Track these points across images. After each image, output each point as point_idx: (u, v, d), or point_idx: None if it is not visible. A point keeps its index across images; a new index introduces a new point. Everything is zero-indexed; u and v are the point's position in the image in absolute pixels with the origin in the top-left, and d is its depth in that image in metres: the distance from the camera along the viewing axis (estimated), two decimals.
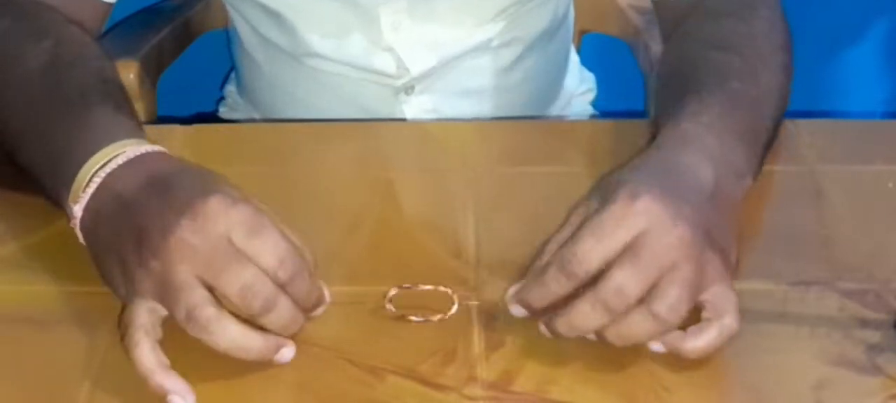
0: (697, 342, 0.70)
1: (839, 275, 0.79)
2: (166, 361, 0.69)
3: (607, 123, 1.06)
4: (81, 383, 0.70)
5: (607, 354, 0.72)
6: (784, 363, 0.72)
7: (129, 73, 1.13)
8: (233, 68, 1.28)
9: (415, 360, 0.71)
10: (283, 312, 0.70)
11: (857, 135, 1.02)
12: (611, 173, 0.76)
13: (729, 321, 0.71)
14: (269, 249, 0.70)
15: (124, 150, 0.76)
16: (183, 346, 0.71)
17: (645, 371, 0.70)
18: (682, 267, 0.69)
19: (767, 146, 0.86)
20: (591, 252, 0.69)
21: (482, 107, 1.15)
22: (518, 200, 0.89)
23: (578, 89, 1.30)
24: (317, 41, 1.10)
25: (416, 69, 1.10)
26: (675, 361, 0.71)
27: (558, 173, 0.93)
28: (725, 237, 0.74)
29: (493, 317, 0.75)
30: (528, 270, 0.74)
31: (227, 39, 1.24)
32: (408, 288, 0.76)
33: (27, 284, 0.79)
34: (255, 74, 1.20)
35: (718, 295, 0.71)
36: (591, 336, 0.71)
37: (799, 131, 0.97)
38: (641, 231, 0.69)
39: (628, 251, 0.69)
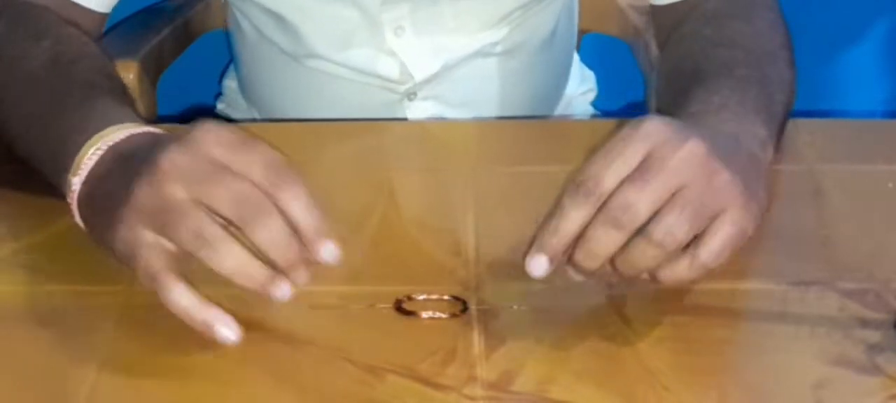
0: (667, 272, 0.70)
1: (839, 275, 0.79)
2: (200, 296, 0.68)
3: (607, 123, 1.06)
4: (82, 382, 0.70)
5: (607, 353, 0.72)
6: (784, 362, 0.72)
7: (128, 74, 1.13)
8: (230, 63, 1.27)
9: (414, 360, 0.71)
10: (278, 225, 0.67)
11: (856, 134, 1.02)
12: None
13: (704, 254, 0.69)
14: (257, 158, 0.68)
15: (128, 130, 0.77)
16: (180, 342, 0.71)
17: (645, 371, 0.70)
18: (687, 187, 0.68)
19: (781, 129, 0.85)
20: (603, 170, 0.69)
21: (485, 114, 1.15)
22: (518, 200, 0.89)
23: (579, 90, 1.30)
24: (319, 44, 1.10)
25: (419, 75, 1.10)
26: (675, 360, 0.71)
27: (558, 173, 0.93)
28: (752, 177, 0.73)
29: (493, 316, 0.75)
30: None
31: (226, 38, 1.24)
32: (412, 299, 0.76)
33: (28, 284, 0.79)
34: (256, 74, 1.20)
35: (718, 222, 0.69)
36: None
37: (798, 130, 0.97)
38: (651, 148, 0.69)
39: (638, 168, 0.69)
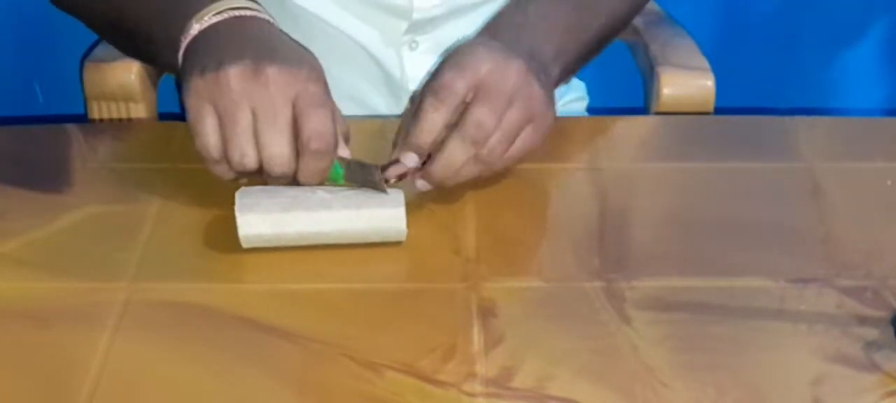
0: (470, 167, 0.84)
1: (837, 272, 0.80)
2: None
3: (605, 119, 1.06)
4: (83, 379, 0.70)
5: (606, 350, 0.72)
6: (782, 359, 0.72)
7: (130, 74, 1.13)
8: None
9: (414, 356, 0.71)
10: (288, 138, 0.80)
11: (855, 132, 1.02)
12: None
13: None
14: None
15: (251, 9, 0.86)
16: (181, 339, 0.71)
17: (643, 367, 0.71)
18: (514, 102, 0.83)
19: (584, 58, 1.00)
20: (454, 80, 0.82)
21: None
22: (518, 197, 0.90)
23: (568, 97, 1.28)
24: None
25: (421, 2, 1.07)
26: (673, 357, 0.71)
27: (557, 169, 0.94)
28: (550, 93, 0.88)
29: (492, 313, 0.75)
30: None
31: None
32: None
33: (29, 281, 0.79)
34: None
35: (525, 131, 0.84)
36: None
37: (798, 128, 0.97)
38: (488, 69, 0.83)
39: (480, 89, 0.83)
